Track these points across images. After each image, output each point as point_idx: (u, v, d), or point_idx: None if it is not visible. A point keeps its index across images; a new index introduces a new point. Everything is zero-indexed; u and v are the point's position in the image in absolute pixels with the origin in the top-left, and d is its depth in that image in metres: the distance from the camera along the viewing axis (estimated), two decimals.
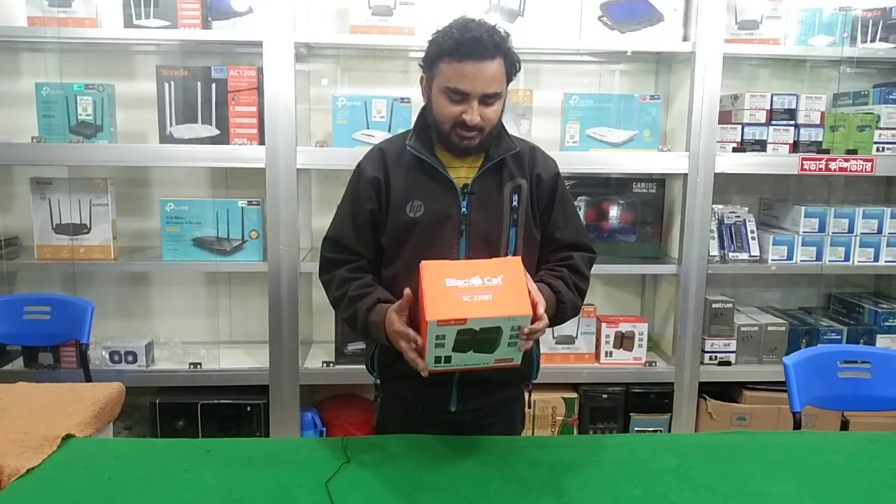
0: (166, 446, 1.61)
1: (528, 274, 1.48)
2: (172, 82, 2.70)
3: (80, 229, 2.80)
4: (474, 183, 1.63)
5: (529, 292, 1.42)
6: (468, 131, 1.57)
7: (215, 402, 2.83)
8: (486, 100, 1.56)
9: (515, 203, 1.66)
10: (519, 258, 1.50)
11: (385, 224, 1.66)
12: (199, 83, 2.71)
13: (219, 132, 2.73)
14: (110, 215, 2.81)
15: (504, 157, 1.65)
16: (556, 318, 1.63)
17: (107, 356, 2.85)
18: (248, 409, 2.83)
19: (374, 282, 1.66)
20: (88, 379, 2.46)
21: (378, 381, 1.77)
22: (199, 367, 2.86)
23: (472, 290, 1.37)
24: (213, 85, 2.71)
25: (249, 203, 2.81)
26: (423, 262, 1.44)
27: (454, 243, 1.63)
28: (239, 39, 2.75)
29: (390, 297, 1.59)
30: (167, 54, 2.94)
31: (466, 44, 1.51)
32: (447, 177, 1.63)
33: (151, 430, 2.84)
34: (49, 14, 2.64)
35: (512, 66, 1.58)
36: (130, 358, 2.85)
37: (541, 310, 1.43)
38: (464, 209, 1.62)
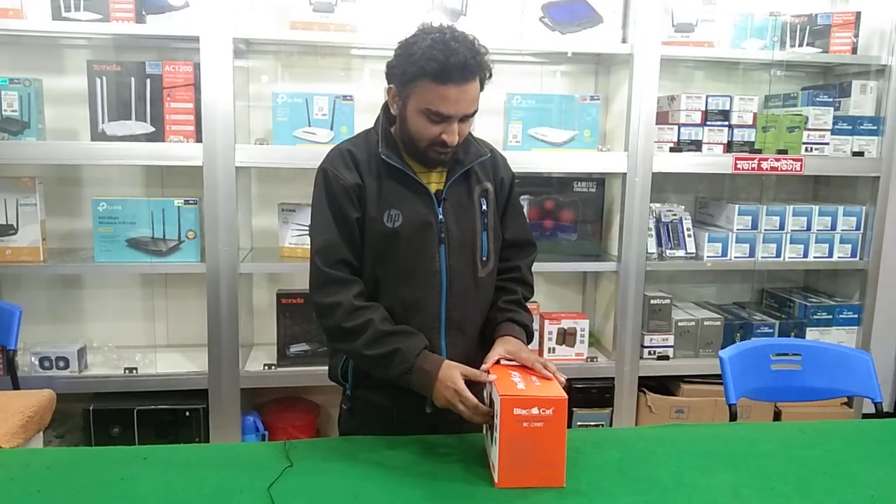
0: (100, 454, 1.55)
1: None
2: (105, 77, 2.62)
3: (6, 230, 2.69)
4: (448, 189, 1.63)
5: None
6: (446, 148, 1.56)
7: (152, 407, 2.74)
8: (465, 118, 1.55)
9: (485, 207, 1.67)
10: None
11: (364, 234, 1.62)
12: (132, 79, 2.63)
13: (154, 129, 2.65)
14: (39, 215, 2.71)
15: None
16: (528, 342, 1.70)
17: (36, 362, 2.74)
18: (187, 413, 2.76)
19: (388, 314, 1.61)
20: (17, 386, 2.37)
21: (349, 392, 1.73)
22: (134, 371, 2.78)
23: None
24: (148, 81, 2.63)
25: (186, 202, 2.74)
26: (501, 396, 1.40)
27: (435, 252, 1.62)
28: (174, 34, 2.67)
29: (429, 344, 1.59)
30: (99, 48, 2.84)
31: (452, 69, 1.46)
32: (422, 184, 1.61)
33: (85, 439, 2.74)
34: None
35: (486, 79, 1.56)
36: (62, 364, 2.75)
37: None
38: (440, 216, 1.62)
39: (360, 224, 1.61)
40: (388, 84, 1.59)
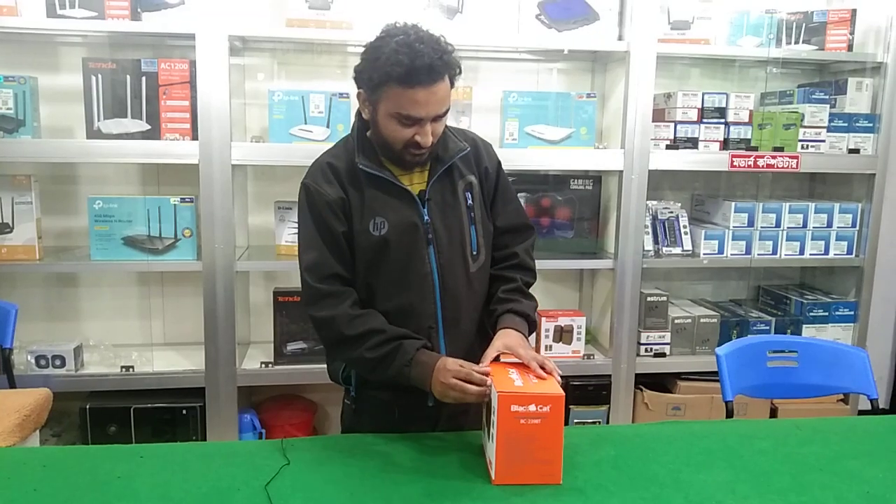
0: (97, 453, 1.55)
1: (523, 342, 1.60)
2: (100, 75, 2.61)
3: (1, 229, 2.68)
4: (431, 188, 1.62)
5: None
6: (421, 149, 1.55)
7: (149, 405, 2.74)
8: (437, 118, 1.54)
9: (470, 201, 1.66)
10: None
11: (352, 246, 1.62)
12: (128, 76, 2.62)
13: (149, 127, 2.64)
14: (34, 214, 2.70)
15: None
16: (530, 330, 1.70)
17: (32, 361, 2.73)
18: (184, 412, 2.76)
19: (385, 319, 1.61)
20: (13, 385, 2.36)
21: (353, 393, 1.72)
22: (131, 370, 2.77)
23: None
24: (144, 78, 2.62)
25: (182, 200, 2.73)
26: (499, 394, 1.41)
27: (424, 253, 1.61)
28: (170, 31, 2.66)
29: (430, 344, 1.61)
30: (94, 46, 2.83)
31: (418, 71, 1.45)
32: (404, 188, 1.61)
33: (82, 437, 2.74)
34: None
35: (455, 76, 1.55)
36: (58, 362, 2.74)
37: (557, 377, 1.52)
38: (426, 217, 1.61)
39: (348, 236, 1.60)
40: (358, 89, 1.58)
